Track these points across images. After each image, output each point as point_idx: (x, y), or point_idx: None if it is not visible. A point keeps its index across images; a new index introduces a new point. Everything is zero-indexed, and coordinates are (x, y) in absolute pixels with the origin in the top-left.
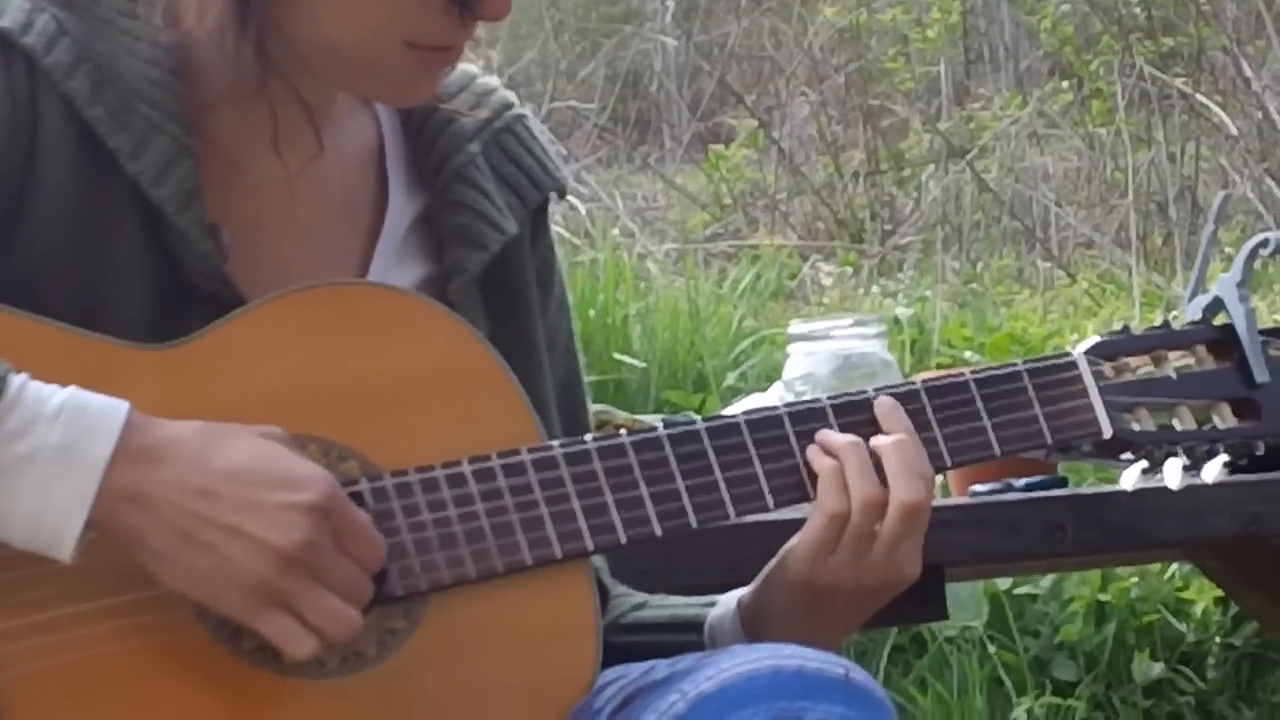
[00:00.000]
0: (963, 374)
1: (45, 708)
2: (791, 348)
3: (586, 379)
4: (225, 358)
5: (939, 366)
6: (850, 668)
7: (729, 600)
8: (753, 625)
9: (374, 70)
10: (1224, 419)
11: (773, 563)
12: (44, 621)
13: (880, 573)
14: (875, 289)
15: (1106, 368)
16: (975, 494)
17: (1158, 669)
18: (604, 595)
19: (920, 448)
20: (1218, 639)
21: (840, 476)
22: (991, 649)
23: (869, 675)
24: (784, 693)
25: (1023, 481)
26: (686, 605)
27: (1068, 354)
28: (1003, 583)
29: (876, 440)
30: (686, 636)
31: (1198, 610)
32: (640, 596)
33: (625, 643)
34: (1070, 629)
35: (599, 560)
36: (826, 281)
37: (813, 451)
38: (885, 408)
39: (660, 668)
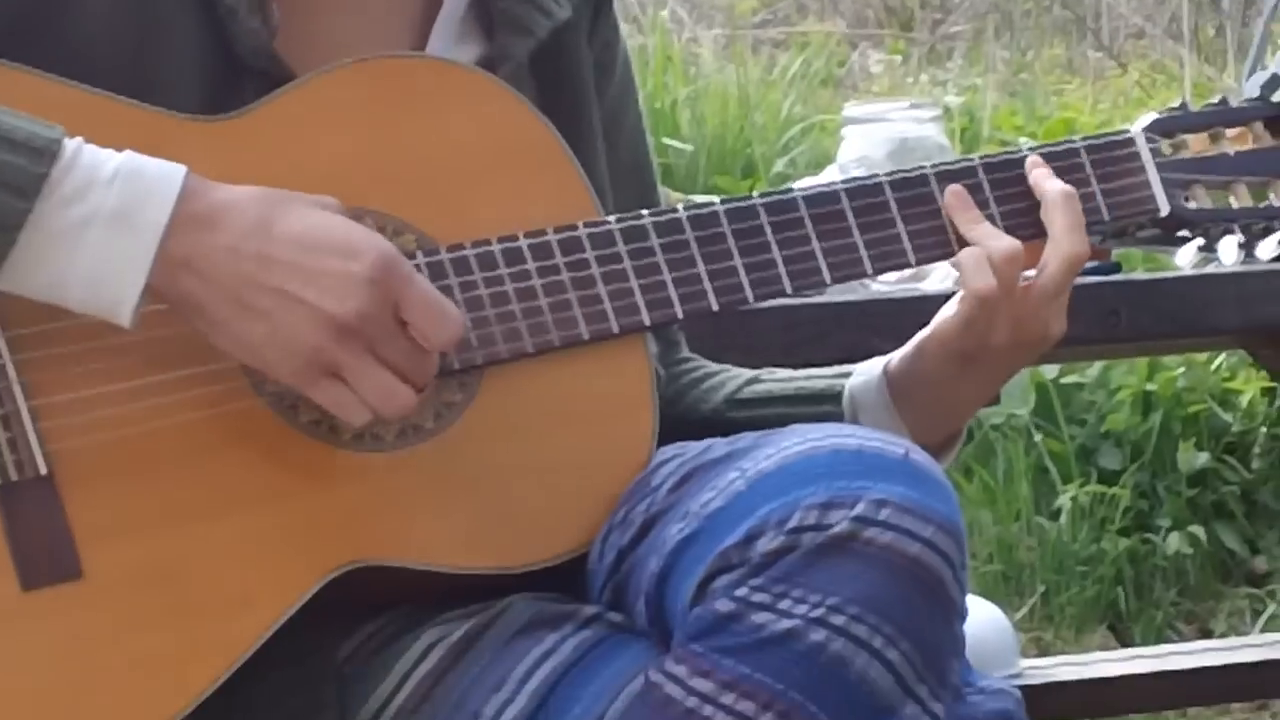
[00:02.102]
0: (1020, 150)
1: (100, 480)
2: (846, 130)
3: (656, 160)
4: (279, 130)
5: None
6: (911, 448)
7: (870, 370)
8: (902, 392)
9: None
10: None
11: (924, 333)
12: (102, 395)
13: (1032, 330)
14: (924, 77)
15: (1164, 145)
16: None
17: (1203, 459)
18: (696, 370)
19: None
20: (1263, 429)
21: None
22: (1037, 437)
23: (929, 456)
24: (843, 472)
25: None
26: (812, 377)
27: (1125, 131)
28: (1049, 371)
29: (1045, 196)
30: (821, 408)
31: (1244, 400)
32: (749, 371)
33: (745, 417)
34: (1116, 418)
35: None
36: (875, 69)
37: (967, 217)
38: (1038, 165)
39: (718, 446)
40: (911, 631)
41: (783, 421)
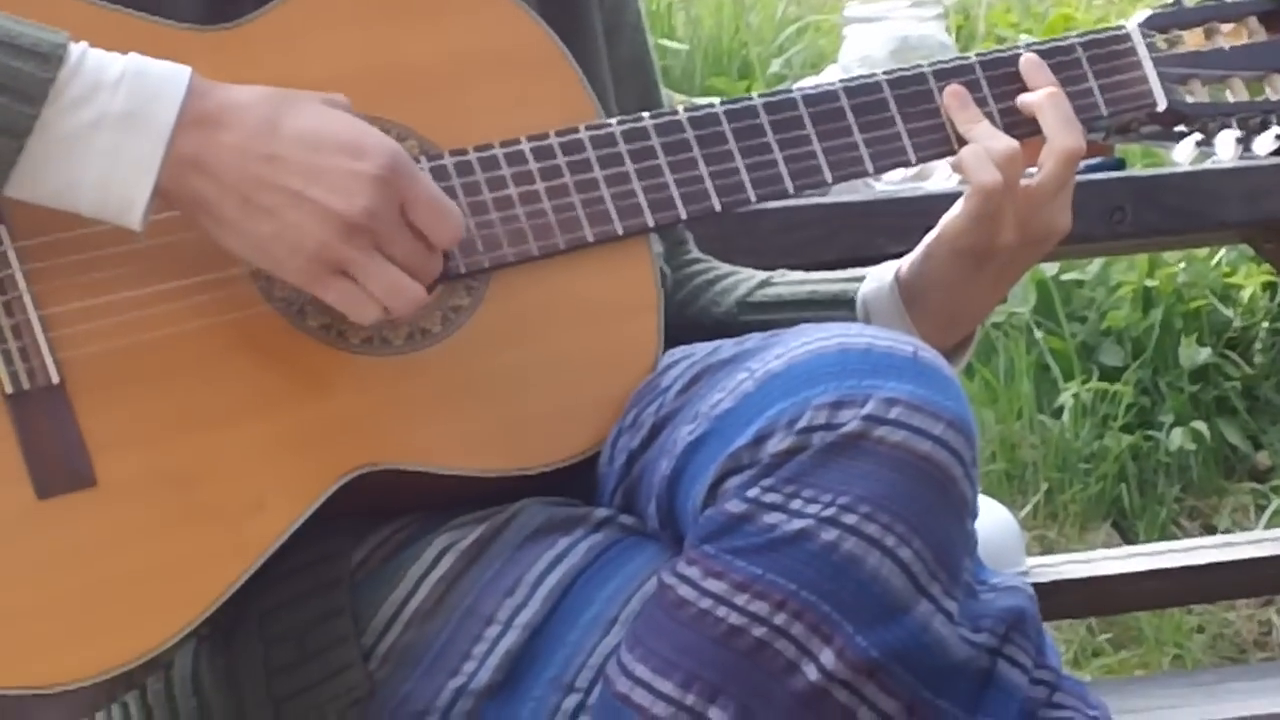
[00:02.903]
0: (1017, 47)
1: (112, 387)
2: (847, 30)
3: (657, 60)
4: (280, 39)
5: None
6: (919, 346)
7: (881, 274)
8: (912, 296)
9: None
10: (1276, 90)
11: (932, 235)
12: (112, 302)
13: (1038, 226)
14: None
15: (1159, 39)
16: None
17: (1204, 354)
18: (707, 272)
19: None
20: (1264, 324)
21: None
22: (1038, 335)
23: (937, 354)
24: (852, 371)
25: (1081, 164)
26: (824, 280)
27: (1121, 26)
28: (1049, 269)
29: (1027, 97)
30: (834, 313)
31: (1245, 295)
32: (760, 273)
33: (757, 320)
34: (1117, 315)
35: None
36: None
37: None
38: (1032, 64)
39: (726, 346)
40: (924, 529)
41: (795, 326)
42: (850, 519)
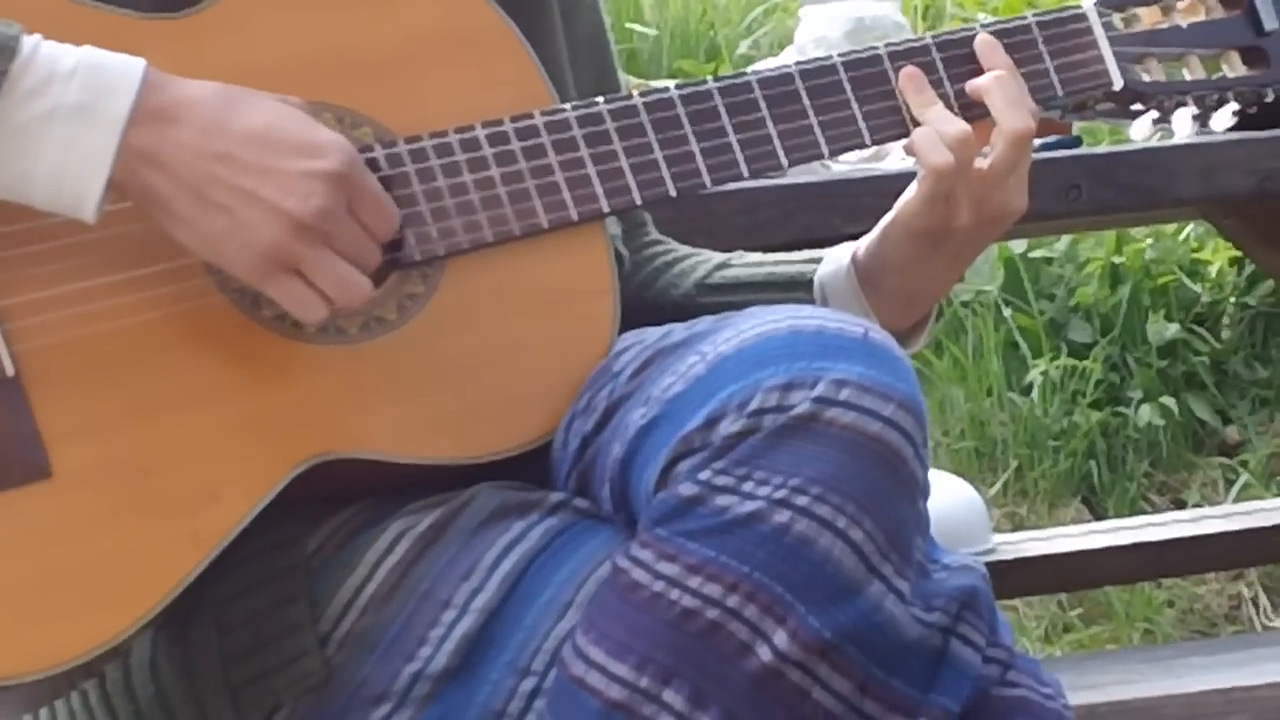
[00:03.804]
0: (973, 28)
1: (67, 379)
2: (803, 10)
3: (614, 40)
4: (234, 26)
5: None
6: (870, 328)
7: (838, 257)
8: (869, 278)
9: None
10: (1233, 68)
11: (888, 217)
12: (66, 294)
13: (993, 207)
14: None
15: (1116, 19)
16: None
17: (1172, 330)
18: (666, 254)
19: (1021, 81)
20: (1232, 299)
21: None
22: (1007, 312)
23: (888, 335)
24: (803, 353)
25: (1038, 142)
26: (781, 262)
27: (1076, 5)
28: (1017, 246)
29: (975, 81)
30: (792, 295)
31: (1212, 271)
32: (718, 255)
33: (715, 303)
34: (1085, 291)
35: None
36: None
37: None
38: (986, 45)
39: (677, 330)
40: (874, 510)
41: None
42: (801, 500)
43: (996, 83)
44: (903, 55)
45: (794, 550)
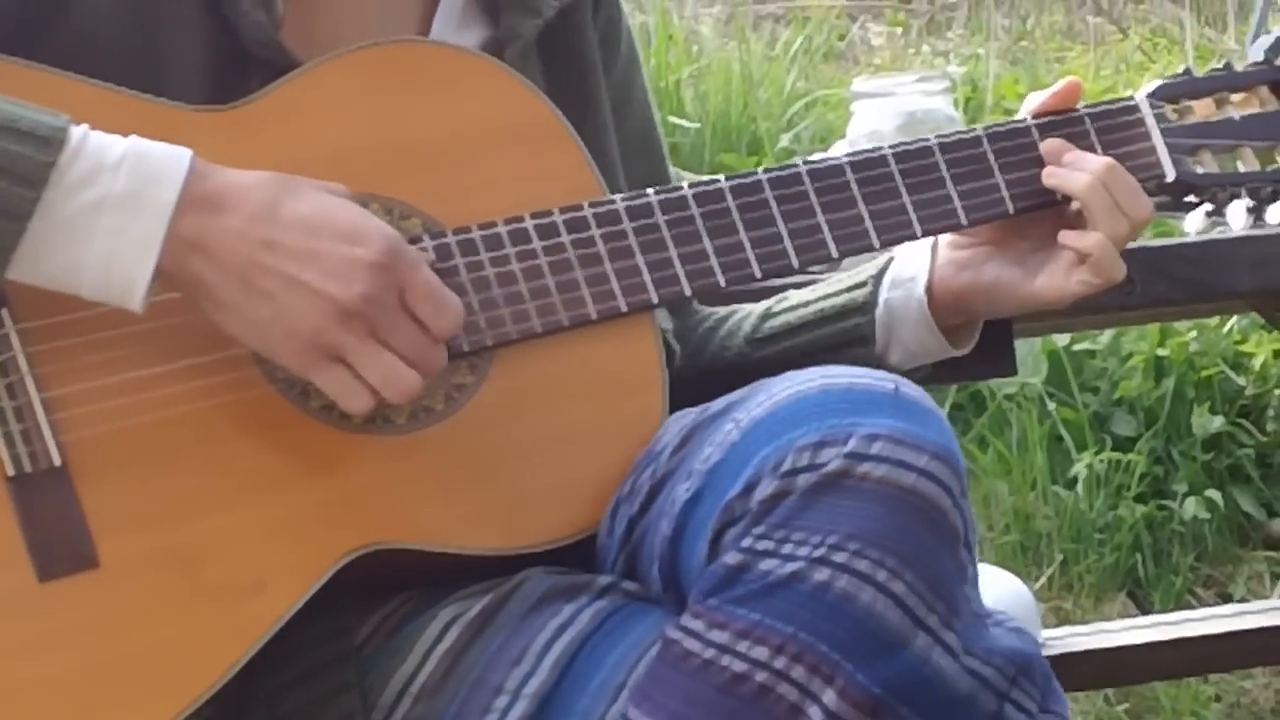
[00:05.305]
0: (1025, 120)
1: (114, 469)
2: (855, 105)
3: (664, 136)
4: (285, 117)
5: None
6: (900, 382)
7: (904, 280)
8: (949, 308)
9: None
10: None
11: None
12: (114, 384)
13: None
14: (925, 48)
15: (1169, 110)
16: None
17: (1217, 422)
18: (708, 318)
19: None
20: (1277, 392)
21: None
22: (1051, 405)
23: (919, 388)
24: (834, 410)
25: None
26: (827, 296)
27: (1129, 97)
28: (1061, 339)
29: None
30: (848, 323)
31: (1256, 363)
32: (757, 306)
33: (773, 354)
34: (1129, 384)
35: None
36: (876, 42)
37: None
38: (1052, 151)
39: (715, 404)
40: (915, 562)
41: (811, 347)
42: (840, 557)
43: (1090, 191)
44: (952, 147)
45: (836, 607)
